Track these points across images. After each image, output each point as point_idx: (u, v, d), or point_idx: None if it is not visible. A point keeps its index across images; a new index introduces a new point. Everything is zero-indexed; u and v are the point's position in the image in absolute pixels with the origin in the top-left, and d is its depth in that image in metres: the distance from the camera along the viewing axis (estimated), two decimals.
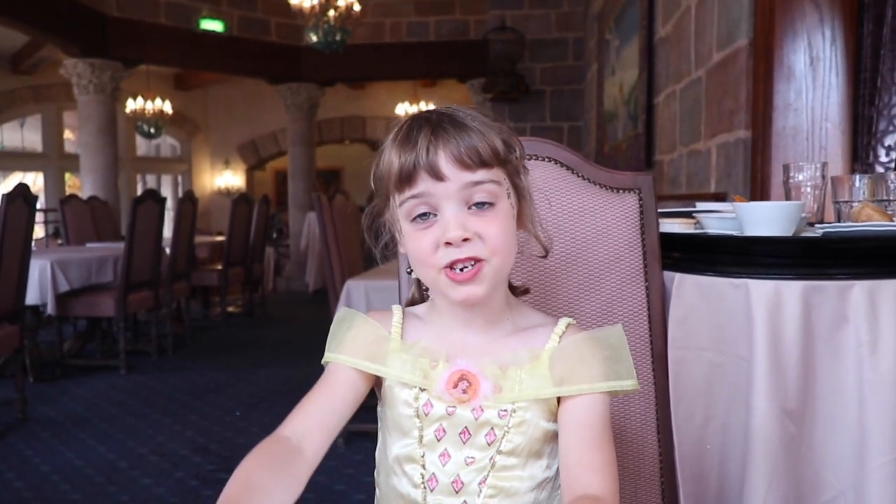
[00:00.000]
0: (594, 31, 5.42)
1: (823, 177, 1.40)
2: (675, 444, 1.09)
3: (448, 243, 0.72)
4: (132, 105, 8.09)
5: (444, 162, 0.71)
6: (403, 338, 0.81)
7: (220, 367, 4.34)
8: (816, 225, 1.24)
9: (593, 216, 1.07)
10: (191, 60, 7.61)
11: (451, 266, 0.73)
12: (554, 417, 0.77)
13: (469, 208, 0.73)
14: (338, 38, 5.74)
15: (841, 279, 1.03)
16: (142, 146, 10.04)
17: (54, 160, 9.29)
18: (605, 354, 0.77)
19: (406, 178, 0.73)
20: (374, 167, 0.78)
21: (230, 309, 6.28)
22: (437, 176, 0.71)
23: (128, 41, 6.77)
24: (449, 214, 0.72)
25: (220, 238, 6.50)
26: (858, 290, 1.02)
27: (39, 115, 9.16)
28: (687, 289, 1.10)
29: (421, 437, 0.77)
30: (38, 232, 7.25)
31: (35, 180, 9.27)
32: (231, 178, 10.29)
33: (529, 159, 1.05)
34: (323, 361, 0.81)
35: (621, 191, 1.09)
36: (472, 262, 0.72)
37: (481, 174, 0.72)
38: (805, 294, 1.02)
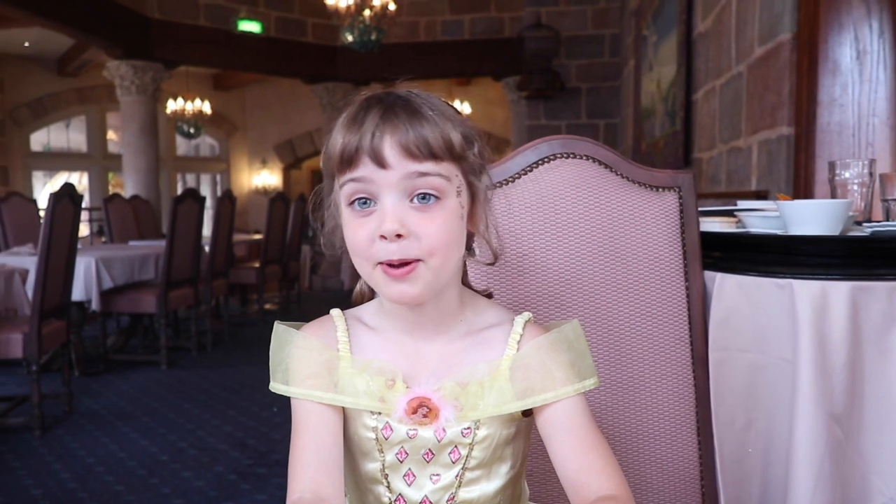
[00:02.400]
0: (631, 27, 5.35)
1: (871, 174, 1.36)
2: (716, 448, 1.07)
3: (383, 237, 0.67)
4: (172, 106, 8.27)
5: (389, 148, 0.66)
6: (353, 352, 0.76)
7: (258, 364, 4.40)
8: (864, 224, 1.21)
9: (632, 215, 1.05)
10: (229, 61, 7.75)
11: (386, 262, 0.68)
12: (514, 422, 0.75)
13: (411, 201, 0.67)
14: (373, 37, 5.78)
15: (890, 280, 1.00)
16: (182, 146, 10.25)
17: (98, 160, 9.55)
18: (567, 357, 0.73)
19: (348, 161, 0.68)
20: (324, 146, 0.73)
21: (267, 306, 6.37)
22: (380, 162, 0.66)
23: (168, 43, 6.92)
24: (387, 205, 0.67)
25: (257, 236, 6.60)
26: None
27: (84, 116, 9.43)
28: (728, 289, 1.08)
29: (383, 460, 0.74)
30: (83, 230, 7.45)
31: (80, 180, 9.54)
32: (268, 177, 10.44)
33: (566, 158, 1.04)
34: (271, 388, 0.76)
35: (661, 189, 1.07)
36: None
37: (428, 166, 0.67)
38: (853, 295, 0.99)
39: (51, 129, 9.39)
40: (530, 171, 1.03)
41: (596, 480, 0.69)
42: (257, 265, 5.88)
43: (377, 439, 0.74)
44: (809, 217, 1.07)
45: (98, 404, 3.50)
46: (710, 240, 1.13)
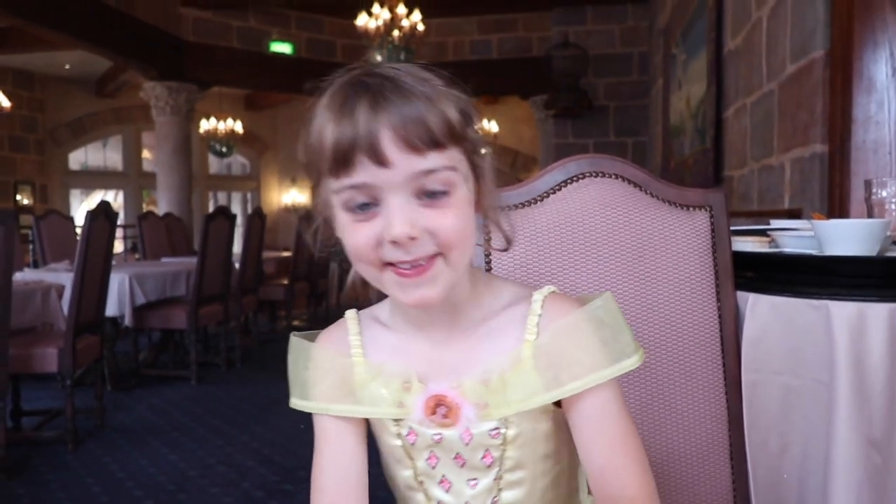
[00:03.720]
0: (660, 45, 5.33)
1: None
2: (750, 472, 1.04)
3: (393, 242, 0.61)
4: (205, 125, 8.44)
5: (388, 142, 0.59)
6: (367, 355, 0.72)
7: (286, 380, 4.41)
8: None
9: (662, 234, 1.04)
10: (261, 82, 7.90)
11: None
12: (548, 414, 0.69)
13: (419, 198, 0.61)
14: (402, 57, 5.84)
15: None
16: (214, 164, 10.45)
17: (133, 178, 9.78)
18: (597, 338, 0.66)
19: (343, 161, 0.60)
20: (303, 134, 0.66)
21: (295, 323, 6.42)
22: (380, 161, 0.59)
23: (202, 64, 7.08)
24: (394, 206, 0.61)
25: (286, 254, 6.67)
26: None
27: (120, 135, 9.69)
28: (761, 309, 1.06)
29: (414, 467, 0.71)
30: (118, 247, 7.61)
31: (115, 197, 9.77)
32: (297, 196, 10.57)
33: (595, 177, 1.04)
34: (291, 404, 0.74)
35: (691, 208, 1.06)
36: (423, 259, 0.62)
37: (434, 159, 0.60)
38: (891, 317, 0.96)
39: (88, 148, 9.65)
40: (558, 190, 1.03)
41: (618, 481, 0.66)
42: (286, 282, 5.93)
43: (403, 446, 0.70)
44: (845, 237, 1.05)
45: (129, 419, 3.54)
46: (742, 259, 1.11)
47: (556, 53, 6.43)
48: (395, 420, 0.70)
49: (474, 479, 0.70)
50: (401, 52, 5.83)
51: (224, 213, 4.56)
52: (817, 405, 1.01)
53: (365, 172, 0.60)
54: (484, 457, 0.69)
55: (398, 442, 0.71)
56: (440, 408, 0.68)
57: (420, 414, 0.68)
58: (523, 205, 1.02)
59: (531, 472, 0.70)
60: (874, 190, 1.35)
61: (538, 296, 0.70)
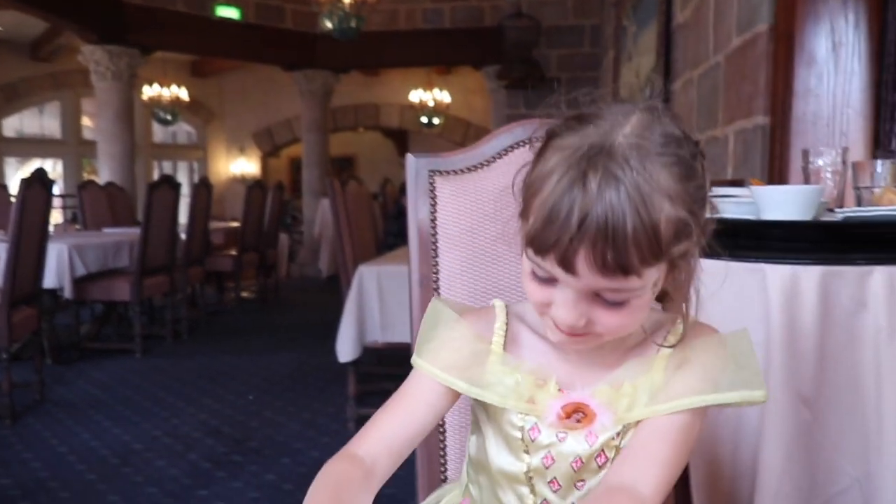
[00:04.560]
0: (611, 17, 5.35)
1: (844, 162, 1.37)
2: None
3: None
4: (149, 92, 8.14)
5: (583, 263, 0.58)
6: (506, 349, 0.72)
7: (234, 352, 4.37)
8: (836, 210, 1.22)
9: None
10: (206, 47, 7.64)
11: None
12: None
13: (596, 295, 0.61)
14: (353, 24, 5.73)
15: (860, 265, 1.01)
16: (158, 133, 10.11)
17: (72, 147, 9.39)
18: (735, 360, 0.67)
19: (539, 247, 0.60)
20: (528, 172, 0.65)
21: (244, 294, 6.32)
22: (568, 269, 0.59)
23: (145, 28, 6.80)
24: (568, 299, 0.61)
25: (234, 224, 6.54)
26: (878, 276, 1.00)
27: (58, 102, 9.26)
28: (703, 274, 1.08)
29: (528, 463, 0.70)
30: (57, 217, 7.33)
31: (54, 167, 9.37)
32: (246, 165, 10.34)
33: (528, 144, 1.04)
34: (414, 362, 0.73)
35: None
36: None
37: (619, 282, 0.59)
38: (823, 279, 1.00)
39: (24, 114, 9.20)
40: (505, 154, 1.02)
41: (640, 472, 0.64)
42: (234, 253, 5.82)
43: (523, 440, 0.69)
44: (782, 202, 1.08)
45: (71, 393, 3.45)
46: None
47: (508, 23, 6.40)
48: (520, 413, 0.69)
49: (582, 480, 0.70)
50: (351, 19, 5.71)
51: (169, 182, 4.43)
52: None
53: (552, 266, 0.60)
54: (598, 457, 0.68)
55: (517, 434, 0.70)
56: (577, 413, 0.68)
57: (553, 418, 0.68)
58: (469, 169, 1.01)
59: None
60: (811, 159, 1.39)
61: (681, 322, 0.70)
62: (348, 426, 2.87)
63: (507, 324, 0.73)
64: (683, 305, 0.68)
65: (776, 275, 1.00)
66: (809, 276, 1.00)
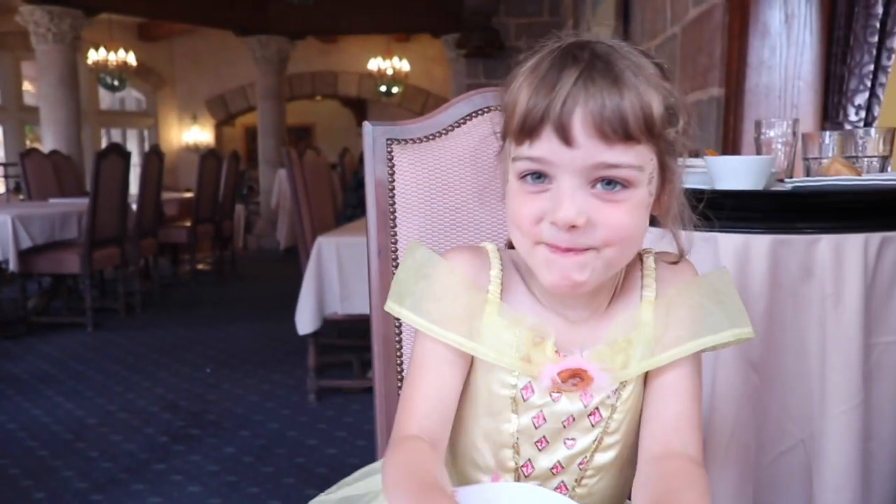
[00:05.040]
0: None
1: (794, 133, 1.40)
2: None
3: (554, 223, 0.59)
4: (94, 56, 7.81)
5: (579, 122, 0.57)
6: (504, 299, 0.68)
7: (190, 325, 4.30)
8: (786, 180, 1.25)
9: None
10: (154, 9, 7.34)
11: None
12: (643, 381, 0.68)
13: (593, 186, 0.59)
14: None
15: (808, 233, 1.03)
16: (105, 99, 9.74)
17: (13, 112, 8.96)
18: (718, 300, 0.67)
19: (529, 130, 0.59)
20: (502, 92, 0.64)
21: (199, 266, 6.21)
22: (565, 138, 0.57)
23: None
24: (566, 189, 0.59)
25: (188, 194, 6.38)
26: (825, 245, 1.03)
27: None
28: (658, 242, 1.10)
29: (517, 423, 0.67)
30: None
31: None
32: (199, 134, 10.06)
33: (500, 110, 1.03)
34: (394, 312, 0.69)
35: None
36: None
37: (620, 153, 0.57)
38: (773, 248, 1.03)
39: None
40: (463, 123, 1.01)
41: (686, 436, 0.64)
42: (188, 224, 5.69)
43: (514, 399, 0.66)
44: (734, 172, 1.10)
45: (18, 368, 3.35)
46: None
47: None
48: (513, 372, 0.66)
49: (573, 439, 0.67)
50: None
51: (118, 151, 4.28)
52: None
53: (548, 147, 0.58)
54: (592, 415, 0.67)
55: (507, 393, 0.67)
56: (574, 378, 0.65)
57: (549, 382, 0.65)
58: (427, 138, 1.00)
59: (625, 440, 0.69)
60: (763, 130, 1.42)
61: (647, 255, 0.70)
62: (308, 398, 2.86)
63: (502, 270, 0.69)
64: (676, 234, 0.69)
65: (729, 244, 1.03)
66: (760, 244, 1.02)
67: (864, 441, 1.03)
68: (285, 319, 3.09)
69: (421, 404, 0.66)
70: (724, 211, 1.08)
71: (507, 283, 0.69)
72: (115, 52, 7.85)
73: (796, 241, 1.03)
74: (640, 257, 0.71)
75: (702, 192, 1.12)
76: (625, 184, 0.59)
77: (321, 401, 2.85)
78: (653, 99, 0.59)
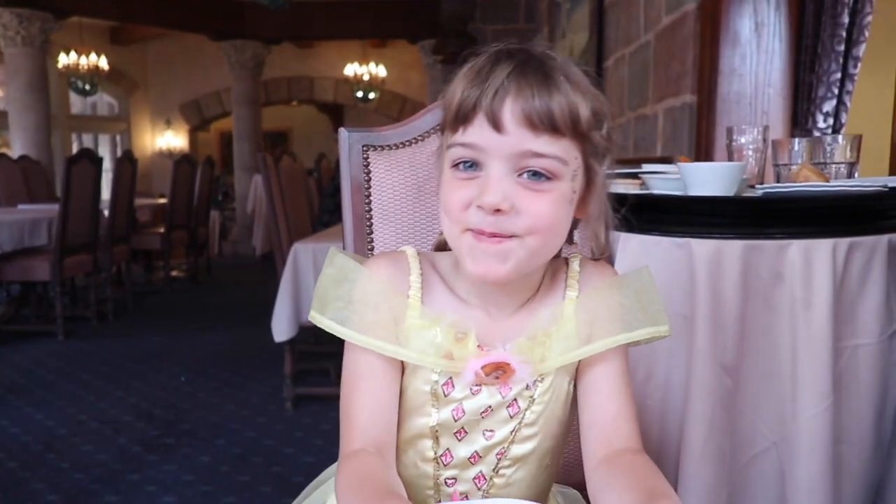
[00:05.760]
0: None
1: (765, 140, 1.43)
2: None
3: (480, 207, 0.62)
4: (65, 60, 7.68)
5: (509, 112, 0.61)
6: (424, 301, 0.70)
7: (164, 333, 4.24)
8: (757, 186, 1.27)
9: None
10: (126, 13, 7.25)
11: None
12: (574, 375, 0.71)
13: (519, 175, 0.62)
14: None
15: (779, 238, 1.05)
16: (77, 104, 9.58)
17: None
18: (638, 299, 0.70)
19: (463, 117, 0.63)
20: (443, 94, 0.68)
21: (174, 273, 6.12)
22: (495, 125, 0.61)
23: None
24: (493, 175, 0.62)
25: (161, 200, 6.30)
26: (795, 249, 1.05)
27: None
28: (632, 248, 1.11)
29: (438, 417, 0.69)
30: None
31: None
32: (173, 139, 9.94)
33: None
34: (318, 322, 0.69)
35: None
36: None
37: (546, 143, 0.61)
38: (744, 253, 1.04)
39: None
40: (439, 129, 1.01)
41: (625, 431, 0.67)
42: (162, 230, 5.62)
43: (435, 394, 0.68)
44: (706, 178, 1.12)
45: None
46: (615, 201, 1.15)
47: None
48: (437, 371, 0.68)
49: (491, 430, 0.70)
50: None
51: (89, 156, 4.21)
52: (680, 336, 1.09)
53: (479, 133, 0.62)
54: (510, 406, 0.69)
55: (427, 388, 0.68)
56: (497, 371, 0.67)
57: (472, 377, 0.67)
58: (403, 144, 1.00)
59: (543, 432, 0.71)
60: (734, 137, 1.44)
61: (573, 258, 0.73)
62: (285, 406, 2.83)
63: (421, 274, 0.71)
64: (599, 235, 0.71)
65: (702, 249, 1.04)
66: (732, 250, 1.04)
67: (834, 443, 1.05)
68: (261, 326, 3.06)
69: (361, 416, 0.67)
70: (697, 216, 1.10)
71: (427, 286, 0.71)
72: (87, 55, 7.73)
73: (767, 246, 1.05)
74: (566, 261, 0.74)
75: (625, 196, 1.14)
76: (549, 175, 0.63)
77: (298, 408, 2.83)
78: (580, 100, 0.63)
